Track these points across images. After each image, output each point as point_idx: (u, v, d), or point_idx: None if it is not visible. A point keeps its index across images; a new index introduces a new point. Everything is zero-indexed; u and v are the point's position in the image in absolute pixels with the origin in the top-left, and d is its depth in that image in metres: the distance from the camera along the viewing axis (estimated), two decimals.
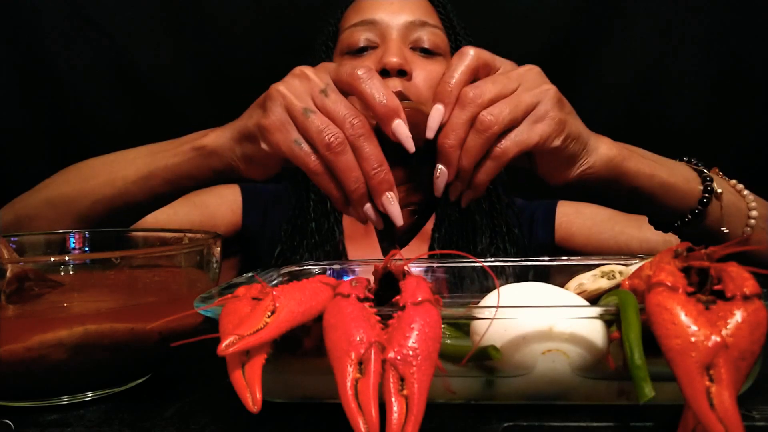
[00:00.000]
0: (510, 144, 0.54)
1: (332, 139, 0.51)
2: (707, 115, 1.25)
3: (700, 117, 1.25)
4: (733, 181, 0.69)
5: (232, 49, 1.30)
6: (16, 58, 1.30)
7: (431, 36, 0.89)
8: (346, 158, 0.52)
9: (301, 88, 0.54)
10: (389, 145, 0.53)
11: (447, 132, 0.53)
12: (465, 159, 0.53)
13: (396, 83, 0.84)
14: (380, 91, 0.52)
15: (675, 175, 0.64)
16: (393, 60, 0.83)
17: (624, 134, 1.32)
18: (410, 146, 0.53)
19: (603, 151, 0.60)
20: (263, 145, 0.56)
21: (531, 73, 0.57)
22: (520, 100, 0.54)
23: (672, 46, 1.24)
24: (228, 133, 0.62)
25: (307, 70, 0.56)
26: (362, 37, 0.88)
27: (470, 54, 0.56)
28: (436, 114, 0.54)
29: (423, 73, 0.86)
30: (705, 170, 0.66)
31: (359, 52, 0.89)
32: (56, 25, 1.29)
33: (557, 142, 0.55)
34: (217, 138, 0.62)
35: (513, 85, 0.55)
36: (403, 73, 0.84)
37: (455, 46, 0.92)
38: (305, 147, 0.53)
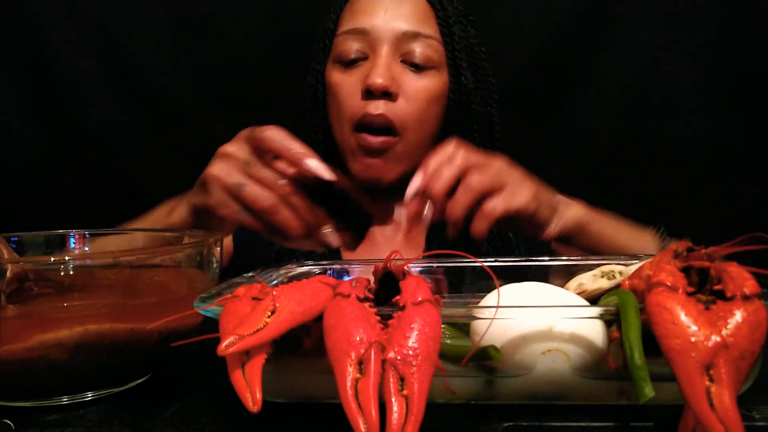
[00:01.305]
0: (497, 203, 0.65)
1: (266, 204, 0.60)
2: (708, 115, 1.25)
3: (701, 117, 1.25)
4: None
5: (233, 50, 1.30)
6: (16, 59, 1.30)
7: (424, 49, 0.87)
8: (282, 215, 0.60)
9: (229, 167, 0.62)
10: (319, 186, 0.61)
11: (434, 181, 0.64)
12: (455, 210, 0.64)
13: (380, 105, 0.84)
14: (287, 144, 0.61)
15: (634, 239, 0.77)
16: (377, 82, 0.83)
17: (624, 133, 1.32)
18: (327, 174, 0.60)
19: (571, 214, 0.73)
20: (215, 220, 0.65)
21: (499, 161, 0.69)
22: (498, 175, 0.67)
23: (673, 46, 1.24)
24: (186, 211, 0.71)
25: (228, 148, 0.64)
26: (353, 48, 0.88)
27: (458, 156, 0.65)
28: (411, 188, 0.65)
29: (410, 91, 0.86)
30: (668, 239, 0.77)
31: (350, 63, 0.88)
32: (56, 25, 1.29)
33: (532, 207, 0.67)
34: (180, 217, 0.71)
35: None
36: (387, 95, 0.84)
37: (451, 55, 0.90)
38: (247, 214, 0.62)
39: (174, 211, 0.72)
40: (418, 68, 0.87)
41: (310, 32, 1.00)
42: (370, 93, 0.84)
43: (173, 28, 1.30)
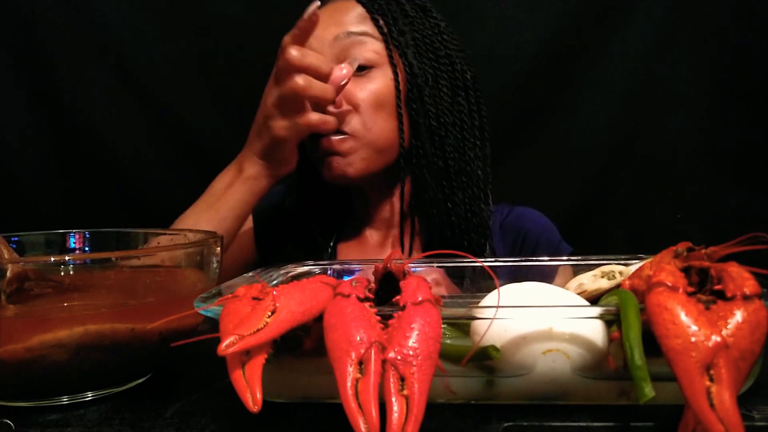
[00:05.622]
0: None
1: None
2: (707, 115, 1.25)
3: (700, 116, 1.25)
4: None
5: (233, 50, 1.30)
6: (15, 59, 1.30)
7: (359, 49, 0.87)
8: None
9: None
10: None
11: None
12: None
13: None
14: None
15: None
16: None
17: (624, 131, 1.32)
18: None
19: None
20: (284, 151, 0.81)
21: None
22: None
23: (674, 45, 1.24)
24: (254, 160, 0.83)
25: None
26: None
27: None
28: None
29: (354, 96, 0.86)
30: None
31: None
32: (56, 25, 1.29)
33: None
34: (253, 168, 0.83)
35: None
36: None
37: (397, 49, 0.88)
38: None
39: (243, 170, 0.83)
40: (359, 70, 0.87)
41: None
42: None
43: (173, 28, 1.30)
